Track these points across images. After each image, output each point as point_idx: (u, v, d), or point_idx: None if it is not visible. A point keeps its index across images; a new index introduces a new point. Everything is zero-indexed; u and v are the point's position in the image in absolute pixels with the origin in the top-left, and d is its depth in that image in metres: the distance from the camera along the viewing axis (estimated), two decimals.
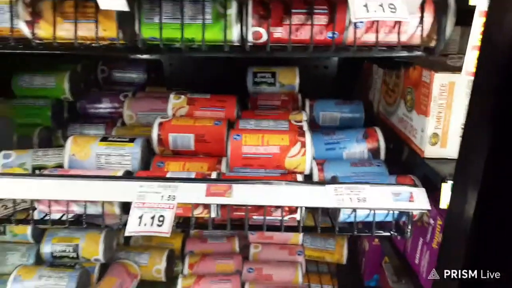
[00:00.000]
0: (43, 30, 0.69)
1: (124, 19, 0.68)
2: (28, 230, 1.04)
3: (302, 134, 0.82)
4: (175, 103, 0.99)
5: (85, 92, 1.24)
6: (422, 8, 0.65)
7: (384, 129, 0.95)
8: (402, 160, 0.93)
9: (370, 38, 0.69)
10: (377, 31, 0.66)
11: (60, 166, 0.87)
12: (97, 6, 0.64)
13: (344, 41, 0.69)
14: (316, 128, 1.07)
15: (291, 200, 0.70)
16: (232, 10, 0.67)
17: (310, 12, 0.66)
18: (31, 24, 0.68)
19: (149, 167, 0.87)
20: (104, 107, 1.23)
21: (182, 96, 1.00)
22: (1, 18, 0.70)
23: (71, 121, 1.20)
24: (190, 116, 0.98)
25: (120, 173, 0.77)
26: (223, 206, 0.75)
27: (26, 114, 1.12)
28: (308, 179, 0.81)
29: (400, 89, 0.93)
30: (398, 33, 0.66)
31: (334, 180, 0.77)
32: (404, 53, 0.68)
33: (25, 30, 0.69)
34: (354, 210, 0.72)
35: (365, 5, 0.58)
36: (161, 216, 0.67)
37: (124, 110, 1.13)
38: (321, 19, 0.67)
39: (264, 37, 0.69)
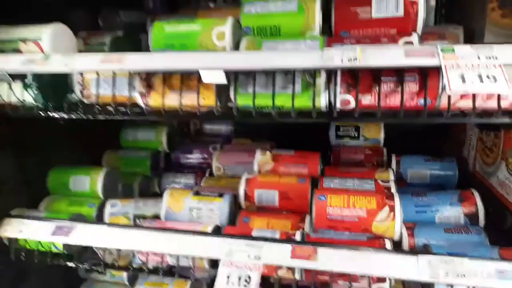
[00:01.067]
0: (153, 100, 0.79)
1: (221, 90, 0.75)
2: (124, 272, 1.13)
3: (391, 197, 0.80)
4: (261, 159, 1.03)
5: (179, 144, 1.36)
6: None
7: (481, 191, 0.87)
8: (505, 228, 0.84)
9: (466, 104, 0.66)
10: (474, 98, 0.63)
11: (157, 216, 0.95)
12: (199, 79, 0.73)
13: (437, 107, 0.67)
14: (403, 186, 1.03)
15: (379, 269, 0.67)
16: (321, 80, 0.70)
17: (400, 80, 0.66)
18: (144, 95, 0.79)
19: (235, 220, 0.91)
20: (195, 157, 1.32)
21: (268, 153, 1.04)
22: (120, 88, 0.82)
23: (166, 170, 1.31)
24: (274, 172, 1.01)
25: (210, 228, 0.82)
26: (307, 269, 0.75)
27: (129, 164, 1.25)
28: (397, 244, 0.77)
29: (499, 150, 0.87)
30: (498, 99, 0.63)
31: (427, 249, 0.73)
32: (506, 120, 0.64)
33: (139, 100, 0.79)
34: (451, 286, 0.67)
35: (461, 76, 0.56)
36: (248, 276, 0.69)
37: (213, 162, 1.21)
38: (411, 86, 0.67)
39: (352, 104, 0.70)
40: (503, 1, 0.94)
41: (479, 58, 0.59)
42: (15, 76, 0.81)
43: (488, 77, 0.56)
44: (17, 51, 0.84)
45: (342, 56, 0.63)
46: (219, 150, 1.27)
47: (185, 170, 1.31)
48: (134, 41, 1.16)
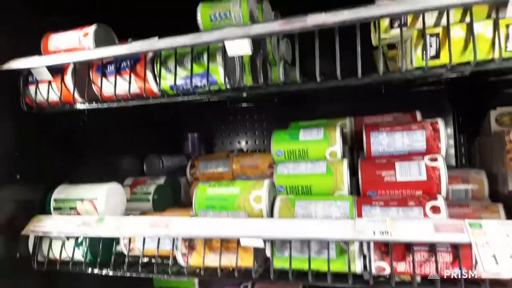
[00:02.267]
0: (194, 260, 0.84)
1: (259, 252, 0.79)
2: None
3: None
4: None
5: (211, 282, 1.36)
6: None
7: None
8: None
9: None
10: None
11: None
12: (238, 242, 0.78)
13: (473, 277, 0.67)
14: None
15: None
16: (355, 247, 0.74)
17: (433, 250, 0.69)
18: (185, 255, 0.84)
19: None
20: None
21: None
22: (163, 244, 0.88)
23: None
24: None
25: None
26: None
27: None
28: None
29: None
30: None
31: None
32: None
33: (181, 260, 0.84)
34: None
35: (494, 256, 0.59)
36: None
37: None
38: (445, 256, 0.69)
39: (387, 271, 0.72)
40: None
41: (508, 236, 0.61)
42: (69, 236, 0.89)
43: None
44: (74, 209, 0.94)
45: (373, 228, 0.67)
46: None
47: None
48: (175, 185, 1.27)
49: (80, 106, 0.87)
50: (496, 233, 0.62)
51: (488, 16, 0.65)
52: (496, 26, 0.62)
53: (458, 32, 0.64)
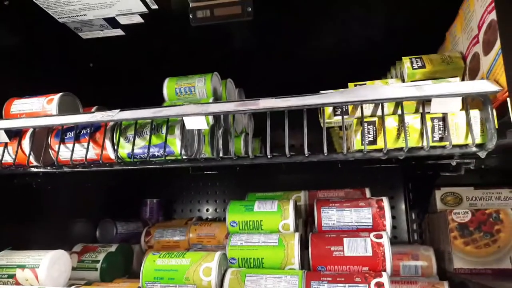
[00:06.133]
0: None
1: None
2: None
3: None
4: None
5: None
6: None
7: None
8: None
9: None
10: None
11: None
12: None
13: None
14: None
15: None
16: None
17: None
18: None
19: None
20: None
21: None
22: None
23: None
24: None
25: None
26: None
27: None
28: None
29: None
30: None
31: None
32: None
33: None
34: None
35: None
36: None
37: None
38: None
39: None
40: (462, 230, 1.06)
41: None
42: None
43: None
44: (13, 277, 0.88)
45: None
46: None
47: None
48: (127, 254, 1.23)
49: (34, 169, 0.87)
50: None
51: (417, 110, 0.73)
52: (423, 119, 0.70)
53: (391, 122, 0.72)
